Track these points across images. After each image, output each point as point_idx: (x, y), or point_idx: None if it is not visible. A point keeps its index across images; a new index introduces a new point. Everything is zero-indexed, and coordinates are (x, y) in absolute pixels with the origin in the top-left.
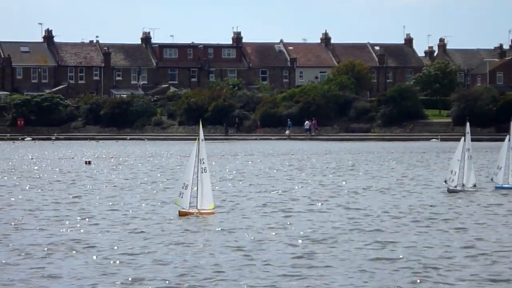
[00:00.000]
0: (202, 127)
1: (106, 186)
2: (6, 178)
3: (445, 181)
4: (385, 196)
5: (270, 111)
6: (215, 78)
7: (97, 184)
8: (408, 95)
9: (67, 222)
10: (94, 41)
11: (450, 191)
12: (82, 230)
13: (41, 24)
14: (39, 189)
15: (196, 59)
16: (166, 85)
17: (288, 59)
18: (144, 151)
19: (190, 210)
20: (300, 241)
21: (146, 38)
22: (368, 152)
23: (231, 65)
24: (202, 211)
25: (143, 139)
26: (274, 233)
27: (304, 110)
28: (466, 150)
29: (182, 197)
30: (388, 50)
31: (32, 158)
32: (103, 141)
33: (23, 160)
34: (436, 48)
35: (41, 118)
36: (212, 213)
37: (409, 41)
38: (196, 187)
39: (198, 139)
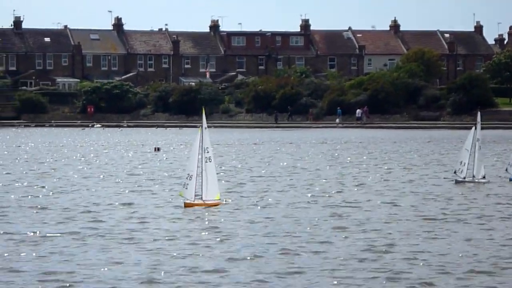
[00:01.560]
0: (269, 114)
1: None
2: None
3: (455, 172)
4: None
5: (337, 98)
6: (283, 66)
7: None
8: (478, 83)
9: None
10: (163, 29)
11: (457, 183)
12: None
13: (110, 11)
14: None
15: (264, 47)
16: (234, 73)
17: (357, 47)
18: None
19: (196, 202)
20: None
21: (215, 26)
22: (411, 140)
23: (299, 52)
24: (207, 202)
25: (210, 127)
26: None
27: (373, 97)
28: (476, 141)
29: (186, 188)
30: (457, 37)
31: (103, 145)
32: (170, 128)
33: (96, 147)
34: (506, 36)
35: (111, 105)
36: (218, 203)
37: (479, 28)
38: (202, 177)
39: (201, 128)
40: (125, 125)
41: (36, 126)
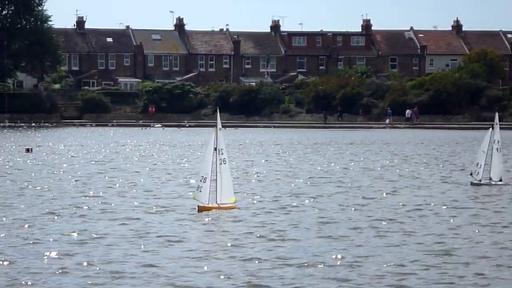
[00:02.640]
0: (330, 115)
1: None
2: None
3: (471, 174)
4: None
5: (399, 99)
6: (344, 66)
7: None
8: None
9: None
10: (224, 30)
11: (473, 185)
12: None
13: (172, 12)
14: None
15: (324, 47)
16: (294, 73)
17: (418, 47)
18: (271, 138)
19: (210, 205)
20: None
21: (275, 26)
22: (455, 142)
23: (360, 52)
24: (222, 206)
25: (270, 127)
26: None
27: (435, 98)
28: (495, 142)
29: (200, 191)
30: None
31: (163, 144)
32: (230, 128)
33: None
34: None
35: (172, 105)
36: (233, 207)
37: None
38: (216, 180)
39: (216, 128)
40: (187, 125)
41: (96, 125)
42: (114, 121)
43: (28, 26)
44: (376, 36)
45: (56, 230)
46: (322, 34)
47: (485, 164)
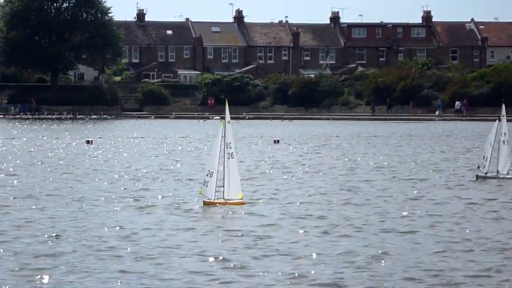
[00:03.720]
0: (389, 107)
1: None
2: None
3: (478, 167)
4: None
5: (459, 91)
6: (404, 58)
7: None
8: None
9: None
10: (283, 21)
11: (478, 178)
12: None
13: (231, 4)
14: None
15: (384, 39)
16: (354, 65)
17: (479, 38)
18: (330, 131)
19: (216, 200)
20: None
21: (335, 17)
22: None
23: (420, 44)
24: (229, 202)
25: (329, 119)
26: None
27: (496, 90)
28: (502, 134)
29: (207, 186)
30: None
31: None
32: (289, 120)
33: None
34: None
35: (231, 97)
36: (242, 203)
37: None
38: (223, 175)
39: (224, 121)
40: (246, 117)
41: (155, 117)
42: (174, 113)
43: (89, 19)
44: (436, 27)
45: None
46: (382, 26)
47: (493, 157)
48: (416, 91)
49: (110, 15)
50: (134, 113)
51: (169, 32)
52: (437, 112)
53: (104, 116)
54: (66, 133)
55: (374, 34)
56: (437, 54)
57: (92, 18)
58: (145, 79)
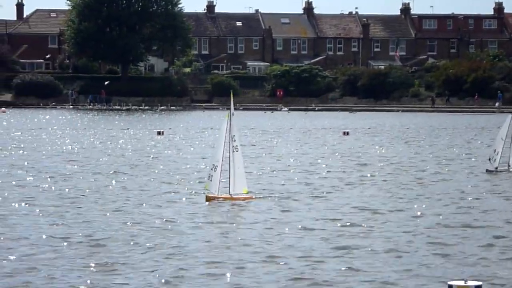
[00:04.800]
0: (460, 99)
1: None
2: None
3: (489, 160)
4: None
5: None
6: (475, 49)
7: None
8: None
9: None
10: (353, 13)
11: (488, 172)
12: None
13: None
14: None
15: (455, 30)
16: (424, 56)
17: None
18: (399, 123)
19: (219, 195)
20: None
21: (406, 9)
22: None
23: (491, 36)
24: (235, 196)
25: (398, 111)
26: None
27: None
28: None
29: (211, 180)
30: None
31: (291, 128)
32: (350, 112)
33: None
34: None
35: (300, 89)
36: (249, 198)
37: None
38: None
39: (229, 113)
40: (316, 109)
41: (223, 109)
42: (238, 104)
43: (159, 11)
44: (508, 19)
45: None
46: (453, 17)
47: (502, 152)
48: (487, 83)
49: (180, 6)
50: (203, 104)
51: (239, 23)
52: (496, 104)
53: (172, 107)
54: (135, 123)
55: (445, 26)
56: (509, 46)
57: (163, 10)
58: (215, 71)
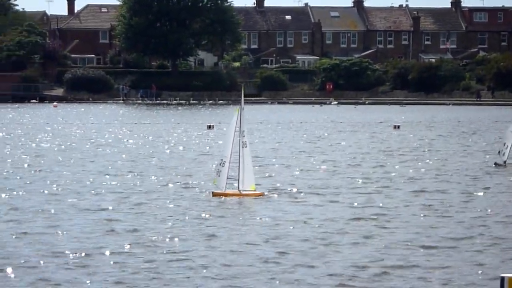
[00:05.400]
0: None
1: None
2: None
3: (498, 153)
4: None
5: None
6: None
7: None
8: None
9: None
10: (404, 6)
11: (496, 165)
12: None
13: None
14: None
15: (506, 23)
16: (475, 49)
17: None
18: (453, 117)
19: (227, 191)
20: None
21: (456, 2)
22: None
23: None
24: (244, 193)
25: (448, 104)
26: None
27: None
28: None
29: (219, 176)
30: None
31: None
32: (401, 105)
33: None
34: None
35: (350, 82)
36: (260, 194)
37: None
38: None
39: (240, 108)
40: (366, 102)
41: (271, 103)
42: (285, 98)
43: (209, 5)
44: None
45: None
46: (503, 10)
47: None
48: None
49: (229, 1)
50: (253, 98)
51: (288, 17)
52: None
53: (220, 101)
54: (185, 118)
55: (495, 18)
56: None
57: (212, 5)
58: (264, 65)
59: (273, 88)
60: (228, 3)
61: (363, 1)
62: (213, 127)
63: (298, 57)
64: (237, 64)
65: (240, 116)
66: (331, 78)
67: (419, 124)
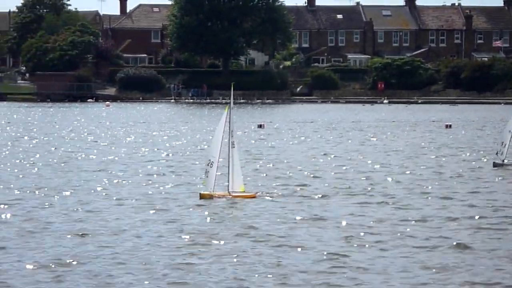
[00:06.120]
0: None
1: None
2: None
3: (497, 153)
4: None
5: None
6: None
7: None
8: None
9: None
10: (456, 4)
11: (495, 165)
12: None
13: None
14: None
15: None
16: None
17: None
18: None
19: (216, 193)
20: None
21: (509, 0)
22: None
23: None
24: (234, 194)
25: (501, 103)
26: None
27: None
28: None
29: (207, 177)
30: None
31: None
32: (458, 105)
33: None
34: None
35: (401, 81)
36: (252, 196)
37: None
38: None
39: (229, 106)
40: (419, 101)
41: (322, 102)
42: (332, 98)
43: (260, 4)
44: None
45: None
46: None
47: (508, 145)
48: None
49: (281, 0)
50: (304, 97)
51: (340, 16)
52: None
53: (268, 101)
54: (236, 116)
55: None
56: None
57: (264, 4)
58: (315, 64)
59: (324, 87)
60: (280, 3)
61: (415, 0)
62: (263, 126)
63: (350, 56)
64: (288, 63)
65: (230, 114)
66: (383, 77)
67: (471, 123)
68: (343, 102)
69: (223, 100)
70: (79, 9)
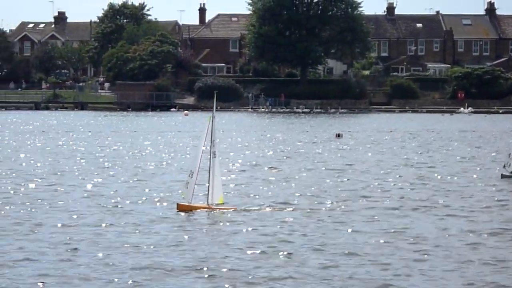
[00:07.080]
0: None
1: None
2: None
3: (504, 166)
4: None
5: None
6: None
7: None
8: None
9: None
10: None
11: (503, 177)
12: None
13: None
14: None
15: None
16: None
17: None
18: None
19: (195, 204)
20: None
21: None
22: None
23: None
24: (213, 206)
25: None
26: None
27: None
28: None
29: (187, 188)
30: None
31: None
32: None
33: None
34: None
35: (482, 91)
36: (234, 208)
37: None
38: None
39: (212, 116)
40: (500, 111)
41: (400, 111)
42: (408, 107)
43: (339, 13)
44: None
45: None
46: None
47: None
48: None
49: (360, 9)
50: (383, 107)
51: (419, 25)
52: None
53: (342, 110)
54: (314, 126)
55: None
56: None
57: (343, 13)
58: (394, 73)
59: (403, 96)
60: (359, 12)
61: (495, 9)
62: (341, 136)
63: (429, 65)
64: (366, 72)
65: (213, 124)
66: (463, 87)
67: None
68: (423, 111)
69: (298, 110)
70: (159, 19)
